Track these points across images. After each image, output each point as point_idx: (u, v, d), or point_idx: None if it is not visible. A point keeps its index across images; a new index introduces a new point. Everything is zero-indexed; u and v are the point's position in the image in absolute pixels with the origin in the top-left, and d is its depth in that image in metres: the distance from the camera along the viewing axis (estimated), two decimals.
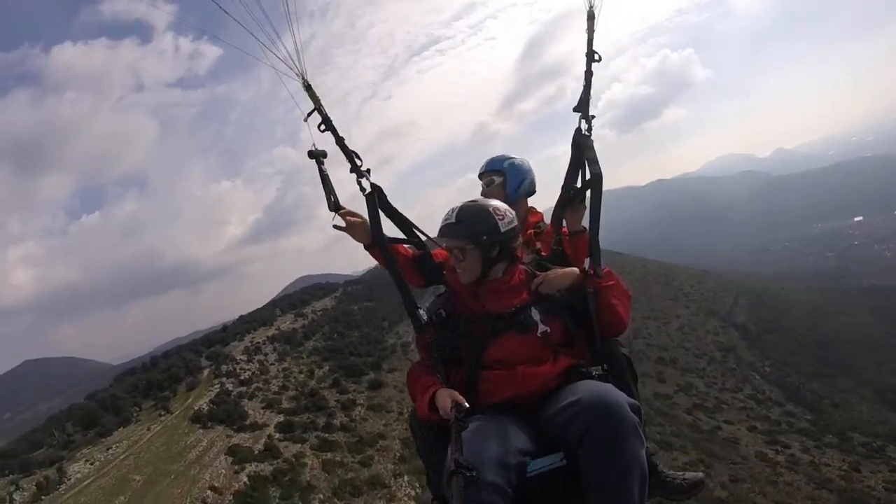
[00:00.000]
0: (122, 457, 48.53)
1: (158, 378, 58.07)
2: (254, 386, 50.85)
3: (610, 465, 1.88)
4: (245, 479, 34.99)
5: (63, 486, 45.28)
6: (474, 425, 1.95)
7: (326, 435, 41.17)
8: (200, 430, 43.61)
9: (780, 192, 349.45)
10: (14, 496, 45.83)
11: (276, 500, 33.01)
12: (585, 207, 2.90)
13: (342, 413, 45.46)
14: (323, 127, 2.71)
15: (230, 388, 50.26)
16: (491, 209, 2.44)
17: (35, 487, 45.45)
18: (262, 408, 46.77)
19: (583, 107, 2.76)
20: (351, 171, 2.73)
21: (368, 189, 2.70)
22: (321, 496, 33.98)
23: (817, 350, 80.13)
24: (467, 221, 2.43)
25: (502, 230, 2.41)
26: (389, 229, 2.87)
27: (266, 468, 36.43)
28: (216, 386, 51.25)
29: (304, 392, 49.33)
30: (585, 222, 2.86)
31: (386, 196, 2.77)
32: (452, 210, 2.48)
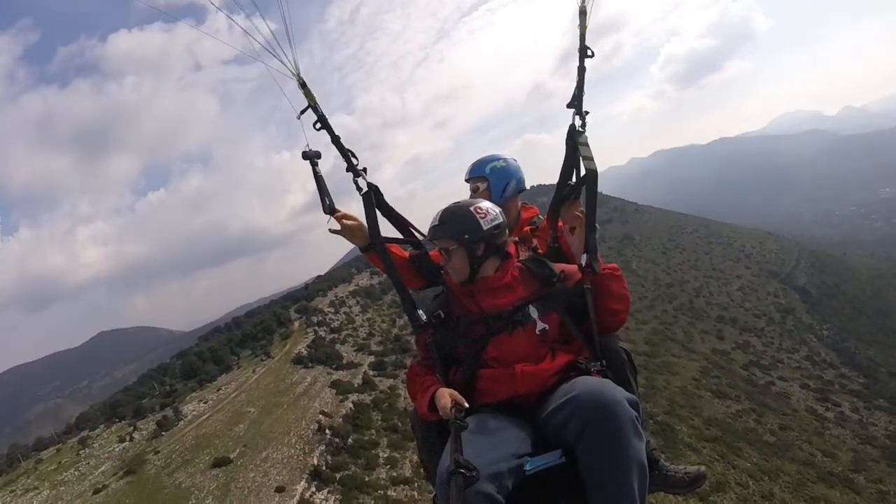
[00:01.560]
0: (233, 395, 56.00)
1: (252, 331, 65.35)
2: (344, 333, 57.11)
3: (608, 461, 1.87)
4: (350, 405, 41.19)
5: (181, 423, 52.83)
6: (472, 427, 1.94)
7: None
8: (303, 370, 49.61)
9: (847, 152, 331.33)
10: (133, 435, 53.71)
11: (379, 422, 39.29)
12: (581, 204, 2.86)
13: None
14: (318, 125, 2.64)
15: (323, 335, 56.29)
16: (473, 208, 2.47)
17: (155, 425, 53.33)
18: (355, 351, 53.01)
19: (576, 103, 2.73)
20: (347, 171, 2.71)
21: (365, 188, 2.69)
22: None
23: (876, 318, 79.88)
24: (450, 222, 2.48)
25: (484, 228, 2.43)
26: (386, 230, 2.85)
27: (366, 398, 42.56)
28: (310, 334, 57.20)
29: (389, 338, 55.64)
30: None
31: (382, 195, 2.77)
32: (438, 212, 2.52)
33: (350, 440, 37.63)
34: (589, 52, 2.70)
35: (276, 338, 60.75)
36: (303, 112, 2.61)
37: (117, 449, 50.42)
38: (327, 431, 37.26)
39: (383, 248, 2.68)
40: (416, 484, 32.77)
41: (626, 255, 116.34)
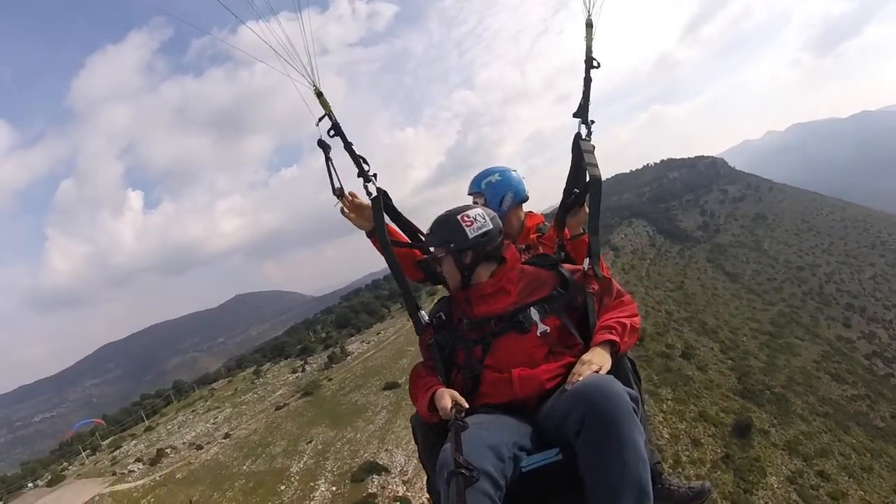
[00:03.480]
0: (392, 337, 66.23)
1: (398, 289, 76.61)
2: None
3: (607, 450, 1.83)
4: None
5: (349, 358, 63.15)
6: (472, 426, 1.91)
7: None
8: None
9: None
10: (305, 367, 64.48)
11: None
12: (586, 211, 2.90)
13: None
14: (332, 132, 2.71)
15: None
16: (460, 216, 2.50)
17: (326, 359, 64.09)
18: None
19: (582, 112, 2.75)
20: (358, 176, 2.74)
21: (374, 193, 2.74)
22: None
23: None
24: (438, 230, 2.54)
25: (470, 237, 2.45)
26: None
27: None
28: None
29: None
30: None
31: (391, 200, 2.82)
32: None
33: None
34: (595, 63, 2.73)
35: (422, 294, 71.03)
36: (320, 120, 2.70)
37: (290, 378, 60.94)
38: None
39: (388, 245, 2.71)
40: None
41: (758, 234, 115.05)
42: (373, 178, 2.77)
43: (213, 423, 53.57)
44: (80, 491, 43.32)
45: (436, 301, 2.70)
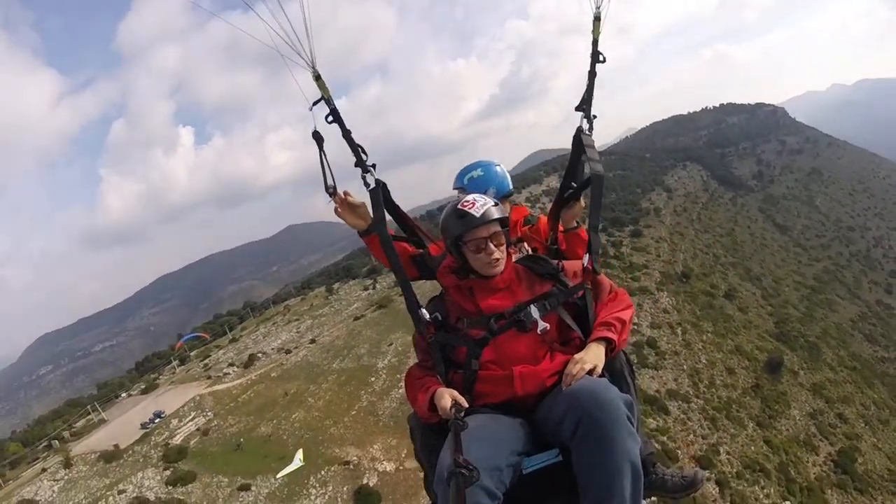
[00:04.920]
0: None
1: None
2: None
3: (600, 459, 1.86)
4: None
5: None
6: (471, 426, 1.92)
7: (604, 259, 58.57)
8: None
9: None
10: (375, 284, 66.83)
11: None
12: (582, 205, 2.87)
13: (612, 248, 62.76)
14: (330, 118, 2.56)
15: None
16: (471, 201, 2.42)
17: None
18: None
19: (585, 106, 2.71)
20: (356, 166, 2.63)
21: (372, 185, 2.60)
22: None
23: None
24: (496, 208, 2.42)
25: (500, 215, 2.41)
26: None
27: None
28: None
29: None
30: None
31: (390, 192, 2.70)
32: (470, 200, 2.43)
33: None
34: (601, 58, 2.68)
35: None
36: (315, 103, 2.54)
37: (363, 294, 64.92)
38: None
39: (388, 239, 2.56)
40: None
41: (812, 190, 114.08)
42: (371, 169, 2.61)
43: (297, 333, 57.96)
44: (179, 394, 47.35)
45: (428, 301, 2.59)
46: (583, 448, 1.89)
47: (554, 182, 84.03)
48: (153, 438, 39.25)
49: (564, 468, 2.02)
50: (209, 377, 50.38)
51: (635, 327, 47.44)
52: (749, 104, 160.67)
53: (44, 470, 38.34)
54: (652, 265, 59.92)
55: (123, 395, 56.70)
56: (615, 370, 2.32)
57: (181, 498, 32.08)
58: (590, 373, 2.07)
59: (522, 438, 2.08)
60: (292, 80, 2.40)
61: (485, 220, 2.33)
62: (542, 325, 2.30)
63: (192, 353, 63.86)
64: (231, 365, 52.18)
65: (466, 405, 2.10)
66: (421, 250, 2.86)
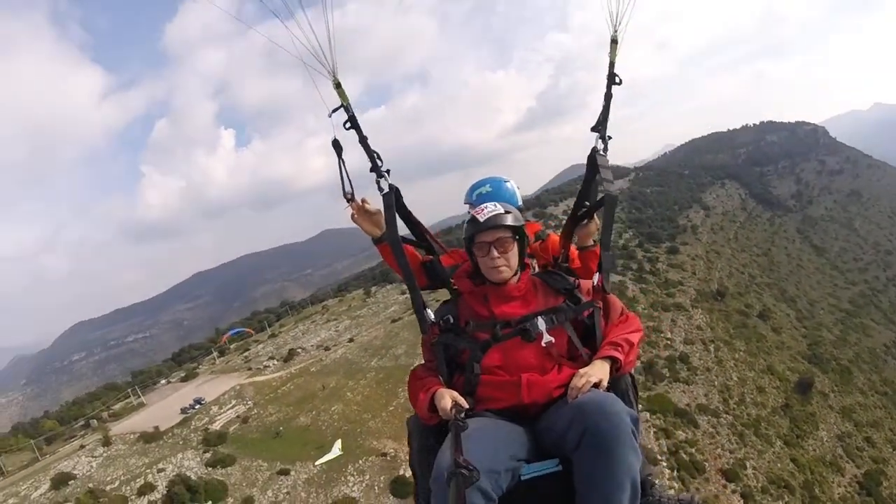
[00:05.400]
0: None
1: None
2: None
3: (602, 471, 1.85)
4: None
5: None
6: (472, 427, 1.91)
7: (639, 274, 60.54)
8: None
9: None
10: (406, 294, 69.69)
11: None
12: (597, 224, 2.89)
13: (648, 264, 63.82)
14: (348, 125, 2.63)
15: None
16: (493, 206, 2.50)
17: None
18: None
19: (600, 127, 2.72)
20: (371, 171, 2.66)
21: (387, 189, 2.63)
22: (640, 308, 52.21)
23: None
24: (510, 213, 2.47)
25: (519, 223, 2.49)
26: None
27: None
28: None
29: (616, 246, 67.99)
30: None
31: (403, 198, 2.73)
32: (483, 206, 2.50)
33: None
34: (617, 80, 2.71)
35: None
36: (335, 111, 2.60)
37: (400, 298, 65.07)
38: None
39: (397, 241, 2.57)
40: None
41: (851, 212, 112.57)
42: (385, 174, 2.63)
43: (335, 332, 59.90)
44: (220, 383, 49.11)
45: (440, 303, 2.64)
46: (585, 459, 1.89)
47: None
48: (193, 423, 41.05)
49: (563, 479, 2.02)
50: (249, 368, 52.32)
51: (668, 342, 48.96)
52: (789, 122, 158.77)
53: (82, 447, 40.25)
54: (687, 282, 61.19)
55: (163, 381, 59.00)
56: (620, 390, 2.30)
57: (221, 479, 33.73)
58: (595, 387, 2.07)
59: (522, 445, 2.08)
60: (323, 87, 2.51)
61: (488, 226, 2.41)
62: (546, 337, 2.31)
63: (231, 346, 65.91)
64: (271, 358, 54.11)
65: (467, 406, 2.12)
66: (431, 257, 2.89)
